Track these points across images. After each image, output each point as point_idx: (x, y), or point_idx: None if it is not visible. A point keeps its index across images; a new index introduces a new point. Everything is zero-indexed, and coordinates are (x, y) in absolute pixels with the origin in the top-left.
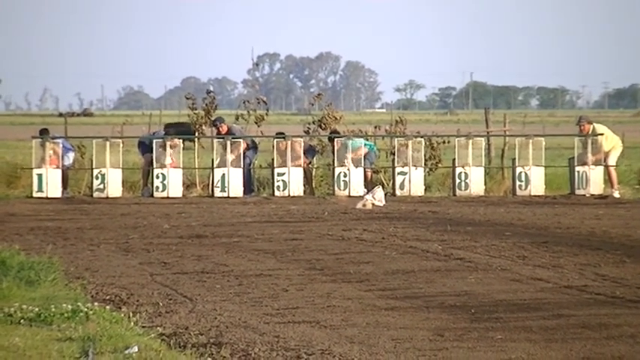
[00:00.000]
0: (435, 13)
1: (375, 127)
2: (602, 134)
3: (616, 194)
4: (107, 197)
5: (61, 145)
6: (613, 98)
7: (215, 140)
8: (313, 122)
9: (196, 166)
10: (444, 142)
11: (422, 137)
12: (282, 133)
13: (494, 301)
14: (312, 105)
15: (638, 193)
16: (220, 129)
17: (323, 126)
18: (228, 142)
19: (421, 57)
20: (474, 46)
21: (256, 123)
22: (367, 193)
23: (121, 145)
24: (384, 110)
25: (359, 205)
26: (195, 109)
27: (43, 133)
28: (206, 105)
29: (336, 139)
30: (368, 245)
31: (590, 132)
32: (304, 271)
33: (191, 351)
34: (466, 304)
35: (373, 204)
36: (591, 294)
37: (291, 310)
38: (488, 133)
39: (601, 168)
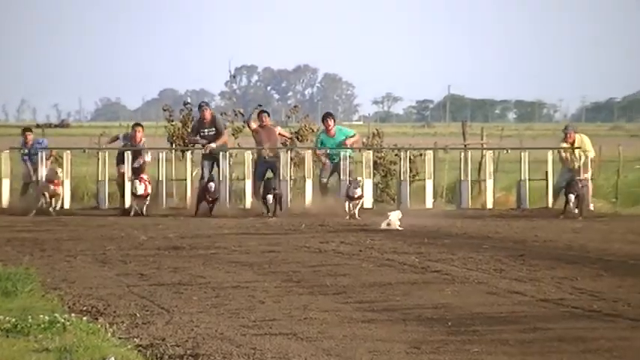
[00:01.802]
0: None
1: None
2: (579, 148)
3: (590, 207)
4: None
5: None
6: (590, 112)
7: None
8: (290, 134)
9: (173, 178)
10: (420, 155)
11: (399, 149)
12: (261, 105)
13: (471, 314)
14: (290, 117)
15: (614, 207)
16: (205, 112)
17: (300, 138)
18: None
19: (399, 70)
20: (452, 59)
21: (234, 135)
22: (390, 213)
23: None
24: (361, 123)
25: (383, 225)
26: (173, 121)
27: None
28: (183, 117)
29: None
30: (345, 258)
31: (575, 141)
32: (281, 283)
33: None
34: (443, 317)
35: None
36: (568, 307)
37: (268, 322)
38: (465, 146)
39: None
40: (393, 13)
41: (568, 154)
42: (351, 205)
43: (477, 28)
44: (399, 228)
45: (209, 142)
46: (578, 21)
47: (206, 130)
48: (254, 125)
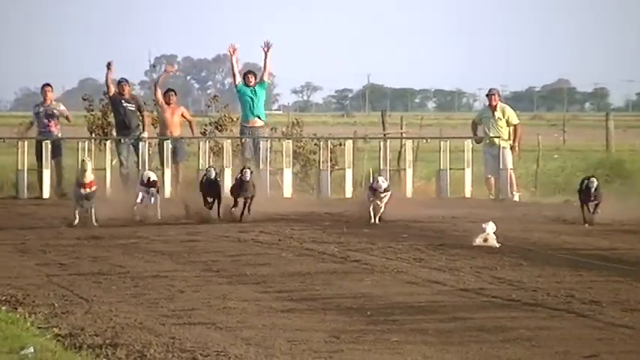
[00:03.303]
0: (332, 15)
1: (272, 129)
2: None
3: (515, 197)
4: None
5: None
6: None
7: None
8: (210, 124)
9: (93, 168)
10: (340, 145)
11: (318, 139)
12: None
13: (390, 304)
14: (209, 107)
15: (535, 196)
16: (124, 87)
17: (220, 128)
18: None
19: (318, 59)
20: (372, 48)
21: (153, 125)
22: (484, 224)
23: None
24: (280, 112)
25: (478, 241)
26: (92, 111)
27: None
28: (103, 106)
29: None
30: (265, 247)
31: (497, 107)
32: (201, 272)
33: (87, 352)
34: (363, 307)
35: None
36: (488, 297)
37: (188, 312)
38: (384, 135)
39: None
40: (312, 2)
41: (491, 124)
42: (375, 201)
43: (396, 17)
44: (497, 245)
45: (130, 118)
46: (497, 10)
47: (127, 105)
48: (159, 96)
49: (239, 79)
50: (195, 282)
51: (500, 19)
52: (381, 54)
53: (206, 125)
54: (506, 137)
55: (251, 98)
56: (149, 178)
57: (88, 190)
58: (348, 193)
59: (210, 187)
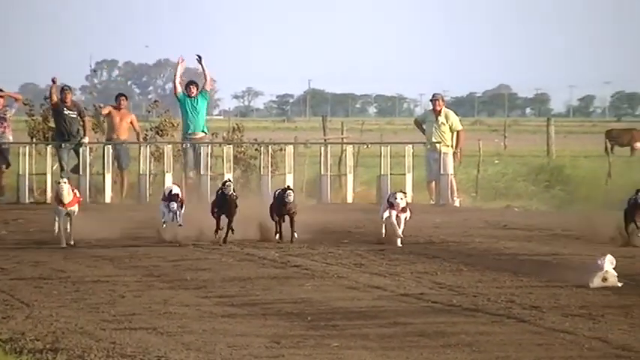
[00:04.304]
0: (273, 20)
1: (213, 134)
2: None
3: (456, 202)
4: None
5: None
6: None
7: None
8: (151, 129)
9: (33, 172)
10: (280, 150)
11: (259, 144)
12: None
13: (331, 309)
14: (150, 112)
15: (475, 201)
16: (67, 95)
17: (160, 133)
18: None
19: (259, 64)
20: (313, 53)
21: (94, 130)
22: (601, 260)
23: None
24: (222, 117)
25: (596, 282)
26: (33, 116)
27: None
28: (44, 111)
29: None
30: (205, 252)
31: (441, 112)
32: (142, 277)
33: (27, 357)
34: (303, 312)
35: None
36: (428, 302)
37: (128, 317)
38: (325, 140)
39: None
40: (253, 6)
41: (434, 129)
42: (392, 217)
43: (337, 22)
44: (619, 284)
45: (71, 124)
46: (438, 16)
47: (69, 112)
48: (106, 111)
49: (180, 90)
50: (136, 287)
51: (441, 25)
52: (322, 59)
53: (147, 130)
54: (448, 142)
55: (192, 108)
56: (171, 191)
57: (68, 208)
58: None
59: (223, 205)
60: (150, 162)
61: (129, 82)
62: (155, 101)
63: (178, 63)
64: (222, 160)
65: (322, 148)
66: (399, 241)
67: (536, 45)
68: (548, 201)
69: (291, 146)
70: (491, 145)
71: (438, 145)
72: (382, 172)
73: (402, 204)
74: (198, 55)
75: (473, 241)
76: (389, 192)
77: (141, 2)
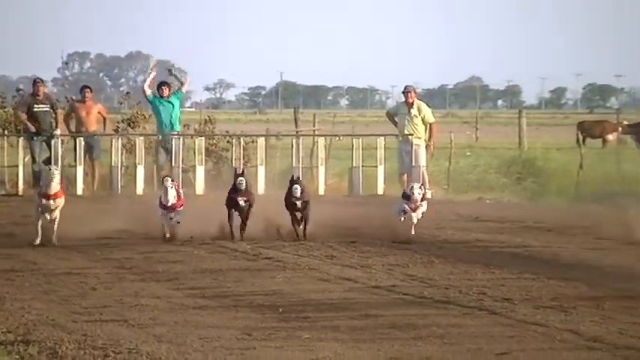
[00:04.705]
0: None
1: (185, 126)
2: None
3: (428, 194)
4: None
5: None
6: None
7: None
8: (123, 121)
9: (5, 164)
10: (252, 142)
11: (231, 136)
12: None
13: (302, 301)
14: (122, 104)
15: (447, 194)
16: (39, 88)
17: (132, 125)
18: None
19: (231, 56)
20: (284, 45)
21: (64, 121)
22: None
23: None
24: (193, 109)
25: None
26: (5, 107)
27: None
28: (16, 103)
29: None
30: (177, 244)
31: (413, 104)
32: (113, 269)
33: None
34: (275, 304)
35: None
36: (400, 294)
37: (100, 309)
38: (297, 132)
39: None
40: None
41: (406, 121)
42: (409, 212)
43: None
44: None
45: (43, 118)
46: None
47: (41, 106)
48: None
49: (149, 92)
50: (107, 279)
51: (413, 17)
52: (294, 51)
53: (119, 122)
54: (421, 135)
55: (165, 109)
56: (167, 190)
57: (52, 201)
58: (261, 190)
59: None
60: (122, 154)
61: (100, 75)
62: (127, 93)
63: (150, 72)
64: (194, 153)
65: (294, 141)
66: (412, 228)
67: (507, 37)
68: (520, 193)
69: (263, 138)
70: (463, 137)
71: (410, 137)
72: (354, 164)
73: (419, 197)
74: (168, 70)
75: (445, 233)
76: (406, 186)
77: None
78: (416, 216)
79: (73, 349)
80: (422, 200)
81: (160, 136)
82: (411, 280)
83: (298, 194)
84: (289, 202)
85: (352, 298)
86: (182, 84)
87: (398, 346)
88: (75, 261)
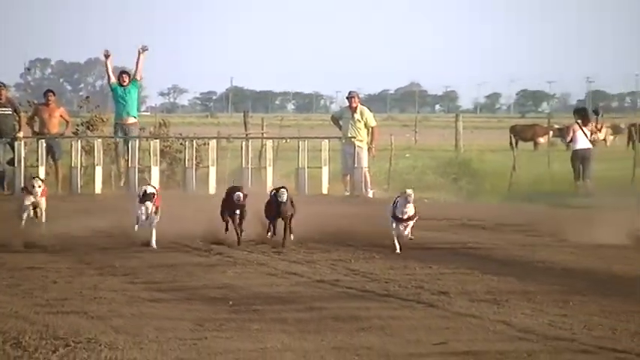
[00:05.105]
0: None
1: (141, 129)
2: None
3: (370, 194)
4: None
5: None
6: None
7: None
8: (82, 124)
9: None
10: (204, 144)
11: (184, 139)
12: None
13: (252, 294)
14: (81, 107)
15: (387, 193)
16: (1, 92)
17: (91, 128)
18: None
19: (184, 63)
20: (234, 52)
21: (27, 124)
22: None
23: None
24: (148, 113)
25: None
26: None
27: None
28: None
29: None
30: (132, 241)
31: (357, 109)
32: (73, 264)
33: None
34: (226, 297)
35: None
36: (343, 288)
37: (61, 302)
38: (246, 135)
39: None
40: (179, 7)
41: (350, 125)
42: (400, 228)
43: (256, 23)
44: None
45: (5, 121)
46: (351, 14)
47: (3, 109)
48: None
49: (113, 79)
50: (67, 273)
51: (354, 23)
52: (244, 58)
53: (78, 125)
54: (363, 138)
55: (124, 97)
56: (145, 191)
57: (34, 199)
58: (212, 190)
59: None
60: (81, 155)
61: (61, 80)
62: (86, 97)
63: (106, 57)
64: (149, 154)
65: (244, 143)
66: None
67: (445, 44)
68: (457, 193)
69: (214, 141)
70: (403, 139)
71: (353, 139)
72: (300, 165)
73: (410, 213)
74: (143, 46)
75: (385, 231)
76: (397, 198)
77: (71, 2)
78: (407, 231)
79: (35, 339)
80: (413, 218)
81: (117, 121)
82: (354, 274)
83: (284, 199)
84: (273, 208)
85: (298, 291)
86: (137, 68)
87: (341, 336)
88: (37, 256)
